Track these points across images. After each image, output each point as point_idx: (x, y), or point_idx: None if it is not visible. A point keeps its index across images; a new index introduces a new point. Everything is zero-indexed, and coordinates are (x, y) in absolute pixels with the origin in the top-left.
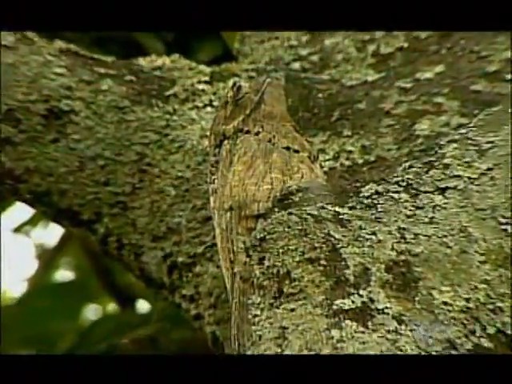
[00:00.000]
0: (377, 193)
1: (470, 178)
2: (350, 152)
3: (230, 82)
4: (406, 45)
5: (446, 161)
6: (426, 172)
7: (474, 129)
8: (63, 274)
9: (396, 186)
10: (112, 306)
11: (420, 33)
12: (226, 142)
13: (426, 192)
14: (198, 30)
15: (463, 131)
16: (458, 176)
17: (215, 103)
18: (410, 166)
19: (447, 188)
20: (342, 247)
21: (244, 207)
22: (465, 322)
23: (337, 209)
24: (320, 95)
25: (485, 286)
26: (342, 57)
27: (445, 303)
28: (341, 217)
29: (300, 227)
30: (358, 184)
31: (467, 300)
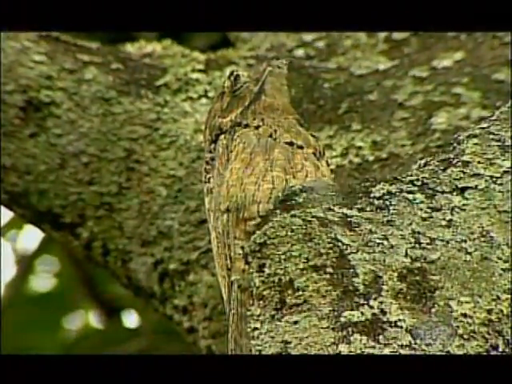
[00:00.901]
0: (389, 193)
1: (492, 176)
2: (360, 148)
3: (227, 71)
4: None
5: (465, 158)
6: (444, 170)
7: (496, 122)
8: (43, 282)
9: (410, 185)
10: (96, 317)
11: None
12: (222, 136)
13: (443, 192)
14: (199, 30)
15: (484, 125)
16: (479, 174)
17: (211, 94)
18: (426, 164)
19: (467, 188)
20: (351, 253)
21: (242, 209)
22: (486, 336)
23: (345, 211)
24: (326, 85)
25: (508, 296)
26: (350, 43)
27: (464, 315)
28: (349, 220)
29: (304, 231)
30: (368, 183)
31: (489, 312)
